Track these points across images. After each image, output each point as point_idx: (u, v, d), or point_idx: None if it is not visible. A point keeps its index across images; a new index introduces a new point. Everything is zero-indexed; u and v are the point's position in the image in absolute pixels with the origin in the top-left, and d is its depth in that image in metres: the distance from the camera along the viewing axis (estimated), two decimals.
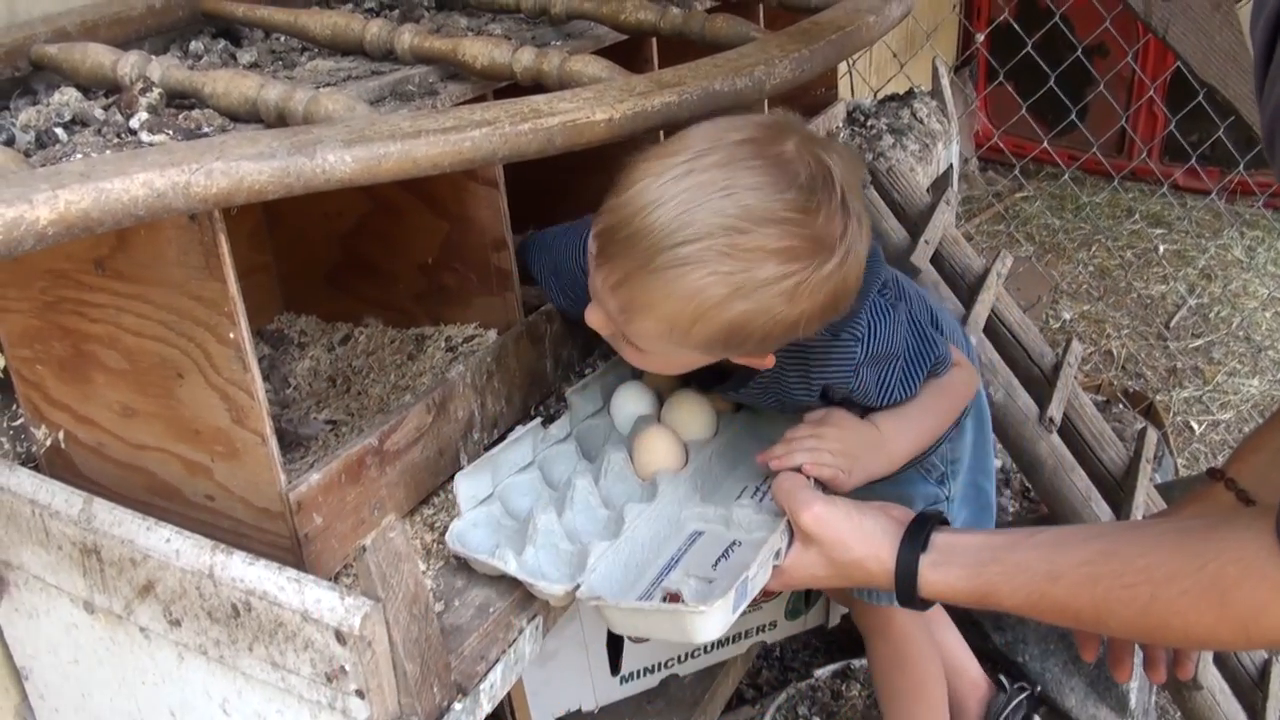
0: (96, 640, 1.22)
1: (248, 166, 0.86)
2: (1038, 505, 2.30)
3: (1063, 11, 3.32)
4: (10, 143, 1.07)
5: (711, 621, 1.02)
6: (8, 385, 1.24)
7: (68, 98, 1.14)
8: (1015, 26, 3.32)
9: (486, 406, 1.31)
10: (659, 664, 1.62)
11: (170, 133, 1.01)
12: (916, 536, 1.08)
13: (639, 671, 1.61)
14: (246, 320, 1.00)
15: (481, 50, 1.19)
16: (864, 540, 1.09)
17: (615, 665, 1.57)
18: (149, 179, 0.83)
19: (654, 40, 1.55)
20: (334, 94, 1.02)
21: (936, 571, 1.07)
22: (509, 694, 1.46)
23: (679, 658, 1.65)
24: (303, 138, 0.89)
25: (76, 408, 1.18)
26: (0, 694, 1.37)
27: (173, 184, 0.84)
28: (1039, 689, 1.89)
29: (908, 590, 1.08)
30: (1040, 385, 1.84)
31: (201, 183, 0.85)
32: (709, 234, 1.01)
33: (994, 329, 1.89)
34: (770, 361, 1.17)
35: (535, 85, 1.20)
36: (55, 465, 1.24)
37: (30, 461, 1.27)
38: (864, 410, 1.27)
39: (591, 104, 1.02)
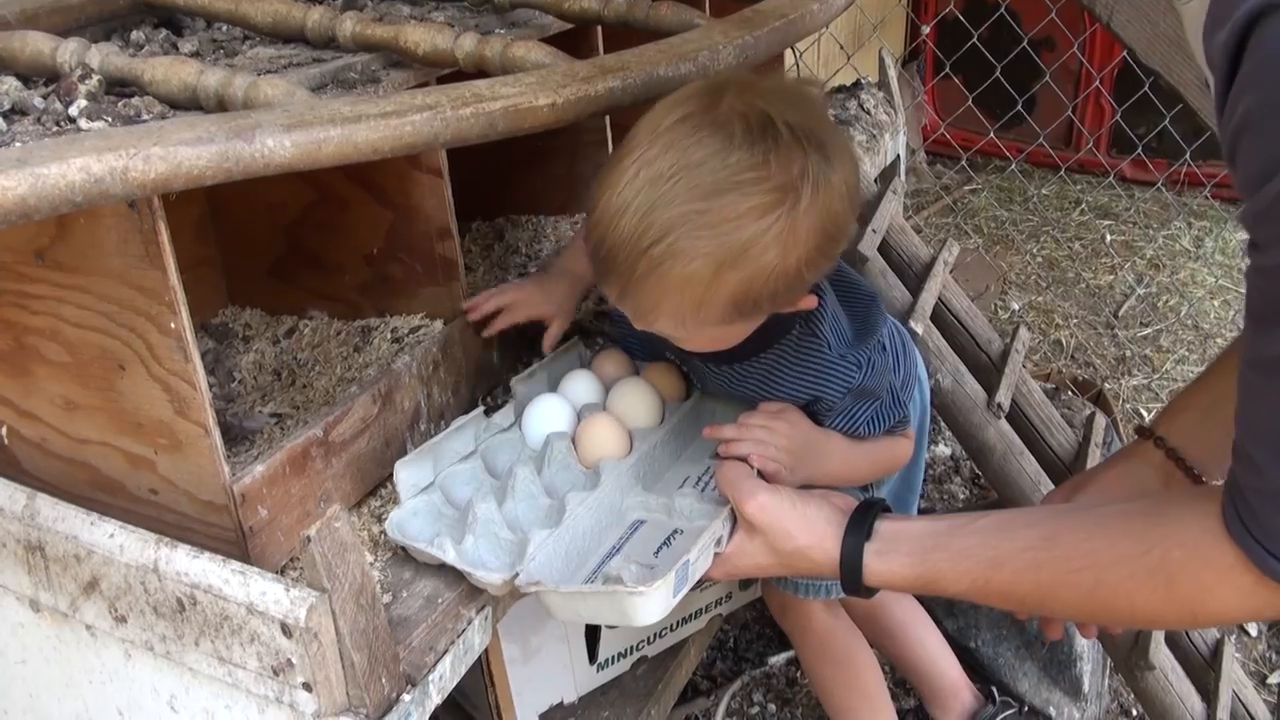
0: (43, 639, 1.20)
1: (186, 151, 0.85)
2: (987, 491, 2.32)
3: (1009, 4, 3.35)
4: None
5: (652, 603, 1.02)
6: None
7: (7, 86, 1.12)
8: (962, 20, 3.35)
9: (433, 397, 1.30)
10: (631, 647, 1.62)
11: (109, 119, 1.00)
12: (861, 524, 1.09)
13: (614, 657, 1.61)
14: (187, 309, 0.99)
15: (424, 37, 1.18)
16: (808, 529, 1.10)
17: (593, 654, 1.57)
18: (86, 164, 0.82)
19: (599, 29, 1.54)
20: (274, 79, 1.01)
21: (881, 560, 1.07)
22: (494, 695, 1.45)
23: (649, 639, 1.65)
24: (241, 122, 0.88)
25: (18, 402, 1.16)
26: None
27: (110, 169, 0.83)
28: (1026, 708, 1.91)
29: (853, 579, 1.08)
30: (988, 372, 1.85)
31: (139, 168, 0.84)
32: (673, 226, 1.01)
33: (941, 316, 1.91)
34: (812, 302, 1.18)
35: (478, 72, 1.19)
36: (1, 462, 1.22)
37: None
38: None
39: (534, 89, 1.02)
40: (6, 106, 1.07)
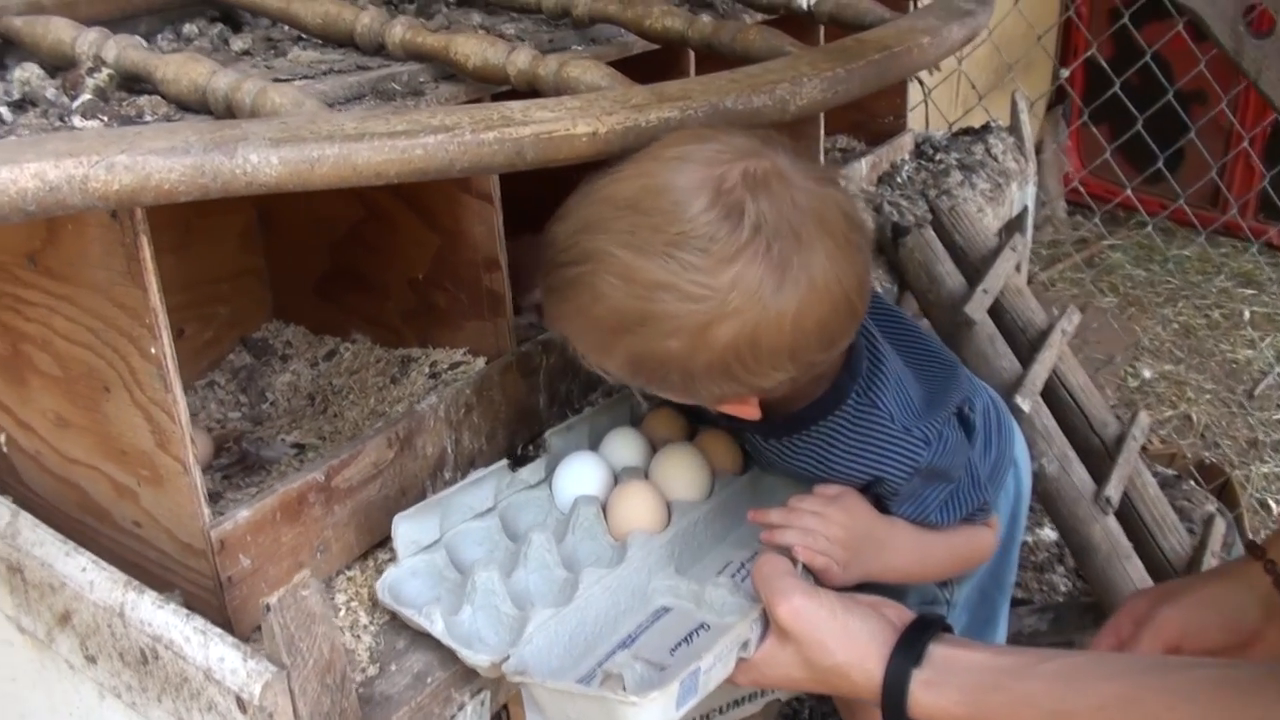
0: (28, 662, 1.13)
1: (156, 162, 0.75)
2: (1091, 589, 2.12)
3: (1162, 53, 3.12)
4: None
5: (646, 716, 0.87)
6: None
7: (28, 75, 1.04)
8: (1105, 67, 3.13)
9: (462, 443, 1.18)
10: None
11: (104, 119, 0.91)
12: (911, 646, 0.93)
13: None
14: (169, 334, 0.89)
15: (475, 49, 1.07)
16: (848, 644, 0.94)
17: None
18: (41, 169, 0.72)
19: (690, 53, 1.41)
20: (284, 87, 0.91)
21: (929, 692, 0.91)
22: None
23: (697, 718, 1.51)
24: (227, 133, 0.78)
25: (17, 411, 1.09)
26: None
27: (68, 177, 0.73)
28: None
29: (895, 709, 0.92)
30: (1100, 458, 1.67)
31: (101, 177, 0.74)
32: (593, 256, 0.92)
33: (1053, 391, 1.73)
34: (753, 413, 1.04)
35: (531, 91, 1.07)
36: (1, 470, 1.15)
37: None
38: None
39: (575, 114, 0.89)
40: (16, 96, 0.99)
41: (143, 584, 0.94)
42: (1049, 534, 2.19)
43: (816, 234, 0.92)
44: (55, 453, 1.06)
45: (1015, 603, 2.06)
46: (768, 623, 0.98)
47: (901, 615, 0.98)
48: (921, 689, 0.91)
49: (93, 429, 1.00)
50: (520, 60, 1.06)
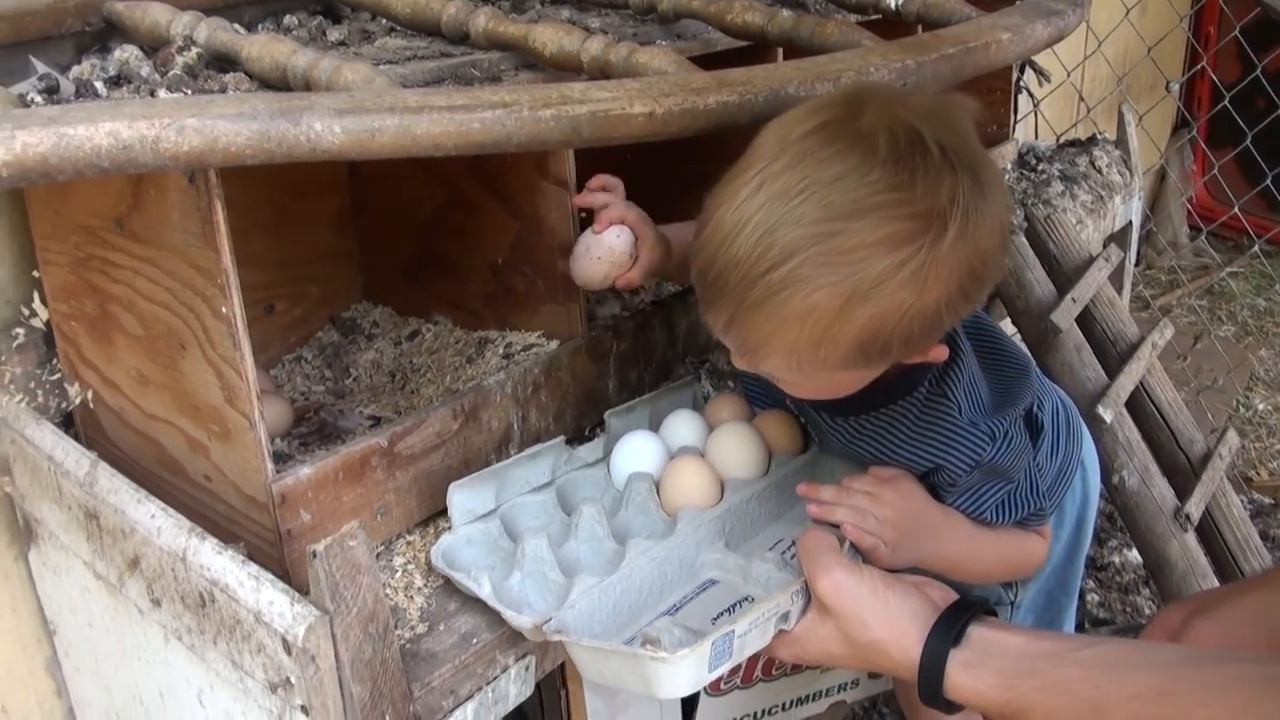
0: (103, 607, 1.19)
1: (224, 126, 0.79)
2: None
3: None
4: (54, 91, 1.05)
5: (677, 673, 0.88)
6: (51, 339, 1.22)
7: (127, 55, 1.11)
8: (1222, 87, 3.03)
9: (529, 421, 1.21)
10: None
11: (188, 92, 0.96)
12: (950, 626, 0.92)
13: None
14: (239, 295, 0.93)
15: (551, 37, 1.10)
16: (887, 621, 0.94)
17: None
18: (115, 129, 0.77)
19: (779, 50, 1.42)
20: (358, 64, 0.95)
21: (966, 673, 0.90)
22: None
23: (756, 715, 1.51)
24: (294, 103, 0.82)
25: (103, 369, 1.15)
26: (34, 646, 1.37)
27: (140, 137, 0.78)
28: None
29: (931, 689, 0.92)
30: (1185, 476, 1.63)
31: (171, 139, 0.78)
32: (797, 249, 0.88)
33: (1141, 406, 1.69)
34: (943, 353, 1.03)
35: (605, 76, 1.10)
36: (87, 425, 1.22)
37: (70, 419, 1.25)
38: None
39: (632, 95, 0.92)
40: (113, 74, 1.05)
41: (207, 533, 0.99)
42: (1136, 556, 2.13)
43: (972, 137, 0.93)
44: (136, 409, 1.12)
45: (1097, 623, 2.02)
46: (808, 597, 0.99)
47: (945, 596, 0.97)
48: (958, 670, 0.91)
49: (170, 386, 1.06)
50: (593, 47, 1.09)
